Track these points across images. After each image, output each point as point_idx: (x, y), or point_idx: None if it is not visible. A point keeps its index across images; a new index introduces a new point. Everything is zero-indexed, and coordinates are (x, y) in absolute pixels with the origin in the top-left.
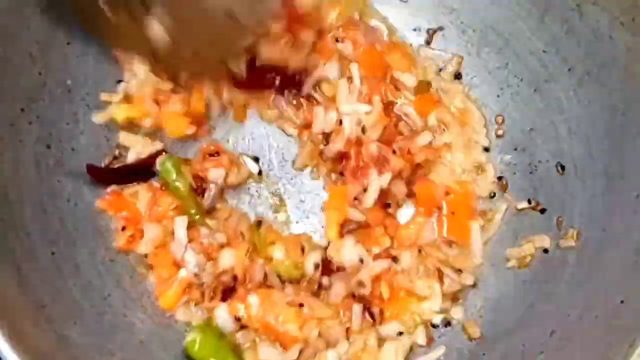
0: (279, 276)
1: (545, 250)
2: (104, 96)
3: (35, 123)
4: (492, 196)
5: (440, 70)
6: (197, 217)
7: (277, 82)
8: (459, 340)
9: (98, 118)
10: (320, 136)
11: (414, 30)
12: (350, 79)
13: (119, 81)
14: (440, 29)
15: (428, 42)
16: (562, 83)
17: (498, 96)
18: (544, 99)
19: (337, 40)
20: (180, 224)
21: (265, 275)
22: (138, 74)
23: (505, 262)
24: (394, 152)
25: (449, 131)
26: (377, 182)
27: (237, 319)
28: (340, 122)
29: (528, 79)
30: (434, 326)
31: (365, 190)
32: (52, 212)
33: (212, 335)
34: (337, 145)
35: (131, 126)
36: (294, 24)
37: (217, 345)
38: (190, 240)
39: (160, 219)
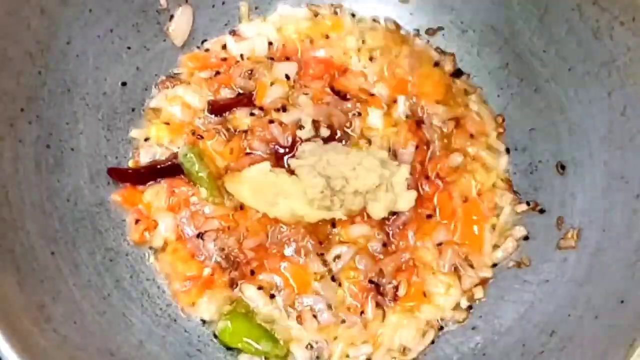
0: None
1: (526, 237)
2: (150, 114)
3: (35, 123)
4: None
5: (437, 64)
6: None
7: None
8: (459, 340)
9: (135, 134)
10: None
11: (414, 30)
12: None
13: (124, 83)
14: (440, 29)
15: (428, 42)
16: (562, 83)
17: (498, 96)
18: (544, 99)
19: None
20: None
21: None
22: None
23: (506, 262)
24: (426, 177)
25: (474, 145)
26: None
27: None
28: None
29: (528, 79)
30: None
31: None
32: (52, 212)
33: (242, 319)
34: None
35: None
36: (333, 81)
37: (249, 327)
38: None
39: (175, 209)
